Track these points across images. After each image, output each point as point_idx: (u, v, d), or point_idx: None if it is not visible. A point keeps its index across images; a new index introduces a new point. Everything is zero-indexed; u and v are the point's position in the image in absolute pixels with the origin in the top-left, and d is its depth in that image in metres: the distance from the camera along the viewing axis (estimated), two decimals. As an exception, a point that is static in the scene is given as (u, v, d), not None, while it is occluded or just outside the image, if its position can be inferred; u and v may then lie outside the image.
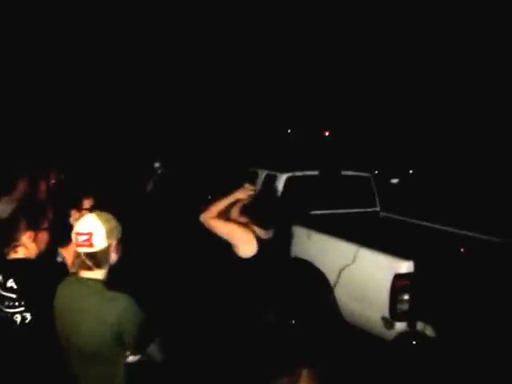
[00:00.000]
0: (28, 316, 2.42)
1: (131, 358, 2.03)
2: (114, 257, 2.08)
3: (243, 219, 3.16)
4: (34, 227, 2.52)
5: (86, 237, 1.98)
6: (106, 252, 2.02)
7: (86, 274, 2.04)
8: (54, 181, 5.14)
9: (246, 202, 3.24)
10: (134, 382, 2.07)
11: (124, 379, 2.02)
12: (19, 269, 2.43)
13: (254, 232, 3.04)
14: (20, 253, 2.50)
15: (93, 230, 1.99)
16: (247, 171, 6.32)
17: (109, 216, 2.09)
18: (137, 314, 1.99)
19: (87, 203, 3.87)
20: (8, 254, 2.50)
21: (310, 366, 2.91)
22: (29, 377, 2.38)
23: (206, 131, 14.90)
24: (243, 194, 3.23)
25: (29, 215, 2.55)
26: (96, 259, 2.01)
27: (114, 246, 2.06)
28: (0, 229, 2.59)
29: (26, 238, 2.49)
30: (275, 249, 3.25)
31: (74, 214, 3.71)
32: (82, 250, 2.00)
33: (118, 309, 1.94)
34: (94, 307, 1.96)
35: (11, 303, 2.40)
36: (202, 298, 5.00)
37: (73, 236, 2.03)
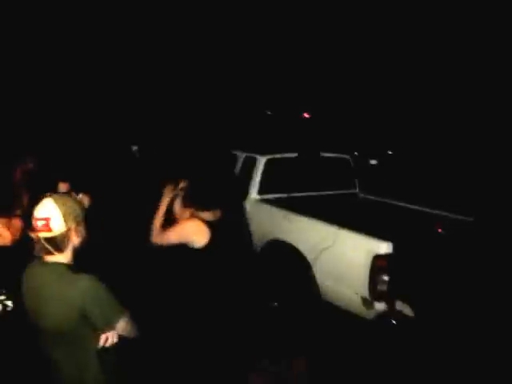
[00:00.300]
0: (9, 304, 2.40)
1: (103, 341, 2.00)
2: (75, 240, 2.04)
3: (187, 211, 3.11)
4: (7, 214, 2.47)
5: (43, 222, 1.95)
6: (65, 236, 1.99)
7: (49, 258, 2.02)
8: (31, 166, 5.00)
9: (181, 195, 3.18)
10: (107, 369, 2.05)
11: (96, 365, 2.01)
12: None
13: (201, 219, 2.99)
14: (-6, 241, 2.45)
15: (50, 215, 1.96)
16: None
17: (68, 199, 2.07)
18: (102, 293, 1.97)
19: (63, 187, 3.80)
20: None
21: (300, 353, 2.95)
22: (12, 363, 2.37)
23: (184, 113, 14.70)
24: (169, 194, 3.16)
25: (0, 203, 2.50)
26: (56, 243, 1.98)
27: (75, 228, 2.02)
28: None
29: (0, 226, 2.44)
30: (229, 229, 3.21)
31: None
32: (41, 235, 1.97)
33: (82, 289, 1.92)
34: (58, 290, 1.94)
35: None
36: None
37: (32, 221, 2.00)
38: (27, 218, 2.57)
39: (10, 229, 2.48)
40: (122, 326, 2.03)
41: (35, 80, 12.42)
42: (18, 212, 2.54)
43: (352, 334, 4.15)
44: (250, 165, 5.89)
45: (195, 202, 3.06)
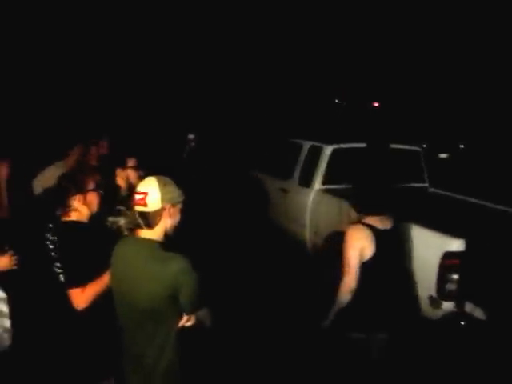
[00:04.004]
0: None
1: (183, 322, 2.04)
2: (169, 221, 2.09)
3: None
4: (81, 190, 2.56)
5: (141, 196, 2.03)
6: (158, 214, 2.04)
7: (141, 233, 2.08)
8: (105, 146, 5.28)
9: None
10: (180, 351, 2.08)
11: (175, 341, 2.05)
12: (64, 232, 2.50)
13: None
14: (73, 216, 2.56)
15: (148, 191, 2.03)
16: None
17: (169, 181, 2.11)
18: (192, 276, 2.00)
19: (131, 162, 4.01)
20: (62, 217, 2.57)
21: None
22: (74, 334, 2.46)
23: (246, 100, 14.67)
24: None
25: (74, 179, 2.60)
26: (147, 219, 2.04)
27: (169, 210, 2.07)
28: (50, 196, 2.68)
29: (76, 201, 2.54)
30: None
31: (118, 172, 3.88)
32: (137, 208, 2.05)
33: (175, 268, 1.96)
34: (150, 266, 1.99)
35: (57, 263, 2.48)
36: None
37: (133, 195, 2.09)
38: (101, 191, 2.69)
39: (87, 204, 2.58)
40: (204, 313, 2.08)
41: (110, 70, 13.02)
42: (91, 186, 2.62)
43: (417, 332, 3.99)
44: (315, 154, 5.80)
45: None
